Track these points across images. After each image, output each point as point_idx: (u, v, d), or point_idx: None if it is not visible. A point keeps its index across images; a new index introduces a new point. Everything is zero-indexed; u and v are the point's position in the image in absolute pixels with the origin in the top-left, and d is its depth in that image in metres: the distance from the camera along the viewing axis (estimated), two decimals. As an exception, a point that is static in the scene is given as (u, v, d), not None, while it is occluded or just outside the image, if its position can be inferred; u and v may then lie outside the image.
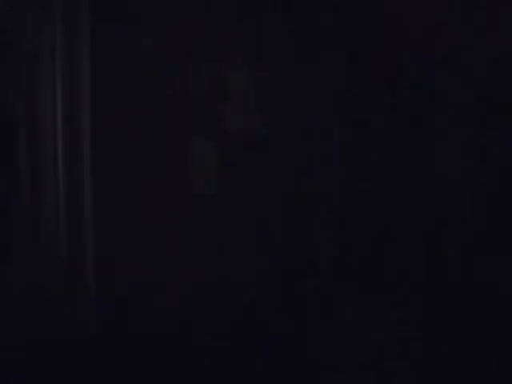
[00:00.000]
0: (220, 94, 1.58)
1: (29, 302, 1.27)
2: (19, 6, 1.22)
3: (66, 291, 1.31)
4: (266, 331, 1.62)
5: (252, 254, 1.64)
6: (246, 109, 1.64)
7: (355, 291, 1.69)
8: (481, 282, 1.71)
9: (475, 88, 1.74)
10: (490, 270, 1.71)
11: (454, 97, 1.75)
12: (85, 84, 1.27)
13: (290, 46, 1.67)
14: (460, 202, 1.73)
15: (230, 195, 1.61)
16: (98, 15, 1.29)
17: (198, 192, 1.55)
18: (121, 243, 1.38)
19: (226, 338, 1.59)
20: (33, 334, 1.27)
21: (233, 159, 1.62)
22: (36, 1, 1.23)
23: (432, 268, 1.71)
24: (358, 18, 1.69)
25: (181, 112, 1.51)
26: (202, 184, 1.56)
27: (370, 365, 1.61)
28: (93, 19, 1.28)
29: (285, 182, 1.69)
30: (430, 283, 1.71)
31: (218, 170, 1.58)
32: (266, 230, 1.66)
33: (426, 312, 1.70)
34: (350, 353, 1.64)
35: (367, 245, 1.72)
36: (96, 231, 1.31)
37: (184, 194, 1.52)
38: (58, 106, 1.25)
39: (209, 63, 1.55)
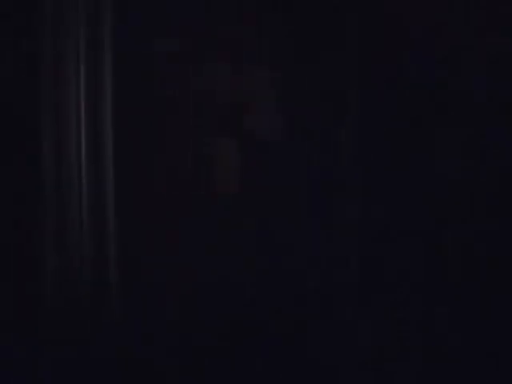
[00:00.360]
0: (243, 93, 1.56)
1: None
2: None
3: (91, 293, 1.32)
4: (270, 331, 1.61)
5: (274, 254, 1.63)
6: (268, 108, 1.62)
7: (355, 291, 1.69)
8: (481, 282, 1.71)
9: (475, 88, 1.74)
10: (491, 270, 1.71)
11: (454, 97, 1.75)
12: (107, 86, 1.28)
13: (307, 46, 1.66)
14: (460, 202, 1.73)
15: (252, 195, 1.59)
16: (120, 15, 1.29)
17: (221, 192, 1.55)
18: (145, 244, 1.39)
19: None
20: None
21: (255, 159, 1.60)
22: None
23: (432, 268, 1.71)
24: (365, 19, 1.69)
25: (203, 113, 1.49)
26: (224, 184, 1.57)
27: (370, 365, 1.61)
28: (115, 18, 1.28)
29: (305, 182, 1.67)
30: (431, 283, 1.71)
31: (240, 169, 1.57)
32: (288, 230, 1.65)
33: (426, 312, 1.70)
34: (350, 353, 1.64)
35: (371, 244, 1.71)
36: (119, 234, 1.33)
37: (206, 194, 1.51)
38: (81, 109, 1.26)
39: (231, 63, 1.53)
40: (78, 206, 1.25)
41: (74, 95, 1.22)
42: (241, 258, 1.56)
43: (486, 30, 1.69)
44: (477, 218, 1.69)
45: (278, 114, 1.63)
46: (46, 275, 1.23)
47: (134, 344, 1.36)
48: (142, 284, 1.40)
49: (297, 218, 1.64)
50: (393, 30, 1.71)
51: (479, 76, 1.69)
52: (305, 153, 1.66)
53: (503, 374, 1.58)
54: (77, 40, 1.22)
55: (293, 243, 1.63)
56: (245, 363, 1.52)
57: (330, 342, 1.62)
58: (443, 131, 1.73)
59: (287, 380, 1.54)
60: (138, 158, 1.38)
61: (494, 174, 1.68)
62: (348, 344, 1.63)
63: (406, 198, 1.68)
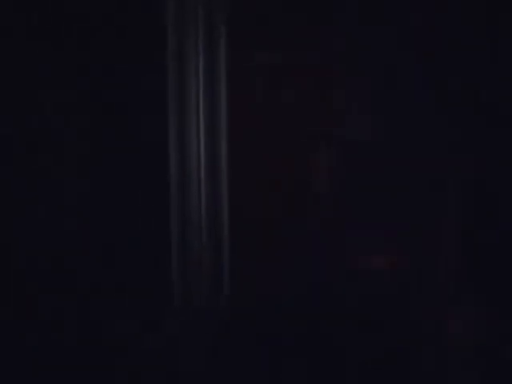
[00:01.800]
0: (336, 98, 1.65)
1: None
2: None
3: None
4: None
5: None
6: (360, 112, 1.68)
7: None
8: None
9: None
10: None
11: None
12: (222, 96, 1.48)
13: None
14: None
15: (346, 196, 1.66)
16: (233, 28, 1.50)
17: (316, 192, 1.63)
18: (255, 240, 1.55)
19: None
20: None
21: (349, 162, 1.67)
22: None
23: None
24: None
25: (302, 119, 1.62)
26: (319, 185, 1.63)
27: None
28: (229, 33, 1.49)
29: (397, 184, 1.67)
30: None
31: (334, 172, 1.66)
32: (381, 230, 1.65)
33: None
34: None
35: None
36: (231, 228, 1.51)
37: (303, 195, 1.61)
38: (200, 130, 1.44)
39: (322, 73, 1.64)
40: (197, 210, 1.42)
41: (194, 110, 1.40)
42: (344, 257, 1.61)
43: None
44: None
45: (370, 118, 1.66)
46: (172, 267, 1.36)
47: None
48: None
49: (396, 215, 1.64)
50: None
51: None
52: (405, 153, 1.65)
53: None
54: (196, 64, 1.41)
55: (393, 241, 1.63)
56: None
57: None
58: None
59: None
60: (248, 163, 1.55)
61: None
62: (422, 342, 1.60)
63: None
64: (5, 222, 1.35)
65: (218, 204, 1.48)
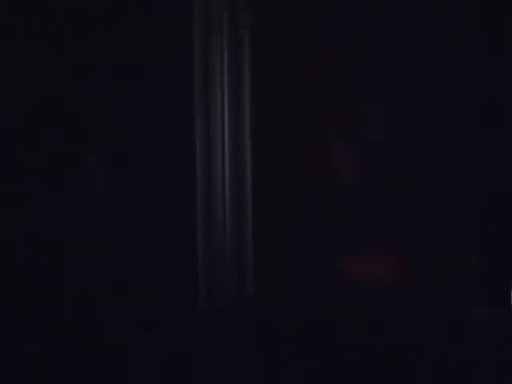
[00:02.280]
0: (360, 98, 1.65)
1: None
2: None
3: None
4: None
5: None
6: (391, 110, 1.68)
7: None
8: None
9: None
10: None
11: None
12: (246, 95, 1.52)
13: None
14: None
15: (372, 196, 1.65)
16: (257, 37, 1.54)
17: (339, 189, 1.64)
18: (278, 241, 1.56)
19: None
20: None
21: (372, 162, 1.66)
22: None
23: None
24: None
25: (326, 119, 1.63)
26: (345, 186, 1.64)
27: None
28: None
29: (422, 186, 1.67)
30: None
31: (361, 171, 1.66)
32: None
33: None
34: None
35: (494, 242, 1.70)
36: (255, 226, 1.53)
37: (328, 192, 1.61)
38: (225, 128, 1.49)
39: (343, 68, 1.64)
40: (222, 209, 1.45)
41: (219, 112, 1.46)
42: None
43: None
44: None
45: (391, 116, 1.66)
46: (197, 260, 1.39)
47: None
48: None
49: (414, 214, 1.65)
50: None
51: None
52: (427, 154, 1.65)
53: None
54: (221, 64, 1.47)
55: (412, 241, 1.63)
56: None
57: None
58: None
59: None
60: (271, 162, 1.55)
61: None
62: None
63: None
64: (5, 221, 1.36)
65: (242, 199, 1.52)
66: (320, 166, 1.63)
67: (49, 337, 1.33)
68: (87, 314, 1.35)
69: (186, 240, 1.40)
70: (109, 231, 1.39)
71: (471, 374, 1.59)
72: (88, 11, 1.39)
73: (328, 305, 1.57)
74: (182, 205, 1.41)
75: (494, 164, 1.69)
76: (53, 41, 1.39)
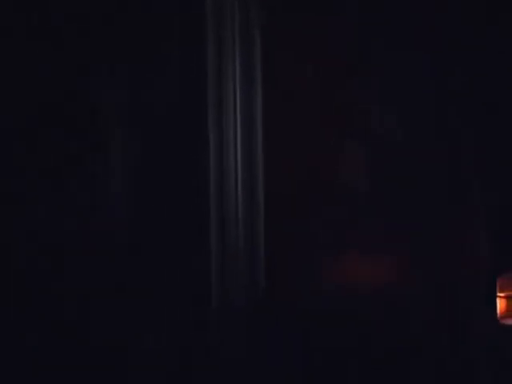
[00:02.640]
0: (369, 96, 1.65)
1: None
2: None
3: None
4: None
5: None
6: (395, 111, 1.67)
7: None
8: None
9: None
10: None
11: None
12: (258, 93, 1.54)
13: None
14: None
15: (379, 195, 1.65)
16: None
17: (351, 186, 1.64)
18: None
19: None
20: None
21: (382, 160, 1.66)
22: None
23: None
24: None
25: (334, 118, 1.63)
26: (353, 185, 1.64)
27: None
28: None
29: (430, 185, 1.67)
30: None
31: (368, 170, 1.66)
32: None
33: None
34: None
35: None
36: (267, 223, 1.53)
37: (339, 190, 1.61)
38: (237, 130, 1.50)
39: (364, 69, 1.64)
40: (234, 205, 1.46)
41: (231, 112, 1.47)
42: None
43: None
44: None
45: (402, 115, 1.66)
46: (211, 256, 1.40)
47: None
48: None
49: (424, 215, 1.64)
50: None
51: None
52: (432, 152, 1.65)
53: None
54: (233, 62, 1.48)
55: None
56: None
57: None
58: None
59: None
60: (283, 159, 1.56)
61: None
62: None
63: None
64: (5, 221, 1.35)
65: (254, 195, 1.53)
66: (328, 165, 1.63)
67: (49, 337, 1.33)
68: (87, 314, 1.35)
69: (199, 239, 1.40)
70: (111, 231, 1.38)
71: (471, 374, 1.59)
72: (88, 11, 1.39)
73: (328, 305, 1.57)
74: (195, 203, 1.41)
75: (494, 164, 1.69)
76: (53, 41, 1.39)
